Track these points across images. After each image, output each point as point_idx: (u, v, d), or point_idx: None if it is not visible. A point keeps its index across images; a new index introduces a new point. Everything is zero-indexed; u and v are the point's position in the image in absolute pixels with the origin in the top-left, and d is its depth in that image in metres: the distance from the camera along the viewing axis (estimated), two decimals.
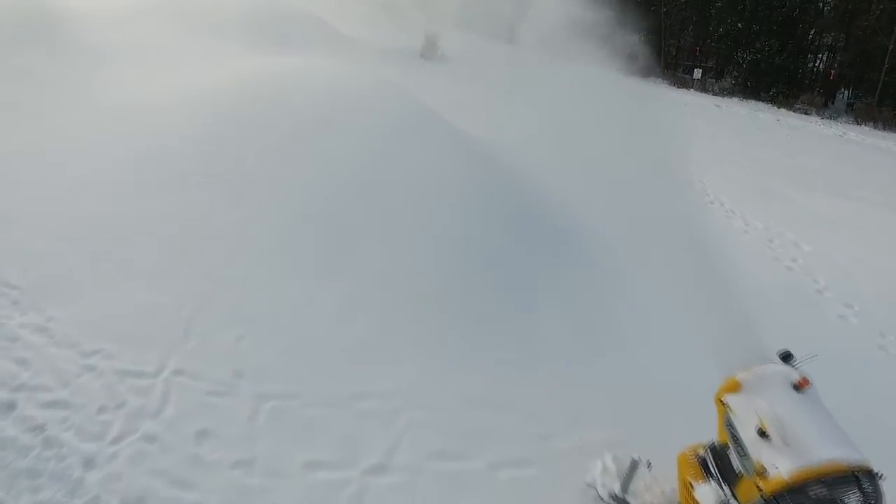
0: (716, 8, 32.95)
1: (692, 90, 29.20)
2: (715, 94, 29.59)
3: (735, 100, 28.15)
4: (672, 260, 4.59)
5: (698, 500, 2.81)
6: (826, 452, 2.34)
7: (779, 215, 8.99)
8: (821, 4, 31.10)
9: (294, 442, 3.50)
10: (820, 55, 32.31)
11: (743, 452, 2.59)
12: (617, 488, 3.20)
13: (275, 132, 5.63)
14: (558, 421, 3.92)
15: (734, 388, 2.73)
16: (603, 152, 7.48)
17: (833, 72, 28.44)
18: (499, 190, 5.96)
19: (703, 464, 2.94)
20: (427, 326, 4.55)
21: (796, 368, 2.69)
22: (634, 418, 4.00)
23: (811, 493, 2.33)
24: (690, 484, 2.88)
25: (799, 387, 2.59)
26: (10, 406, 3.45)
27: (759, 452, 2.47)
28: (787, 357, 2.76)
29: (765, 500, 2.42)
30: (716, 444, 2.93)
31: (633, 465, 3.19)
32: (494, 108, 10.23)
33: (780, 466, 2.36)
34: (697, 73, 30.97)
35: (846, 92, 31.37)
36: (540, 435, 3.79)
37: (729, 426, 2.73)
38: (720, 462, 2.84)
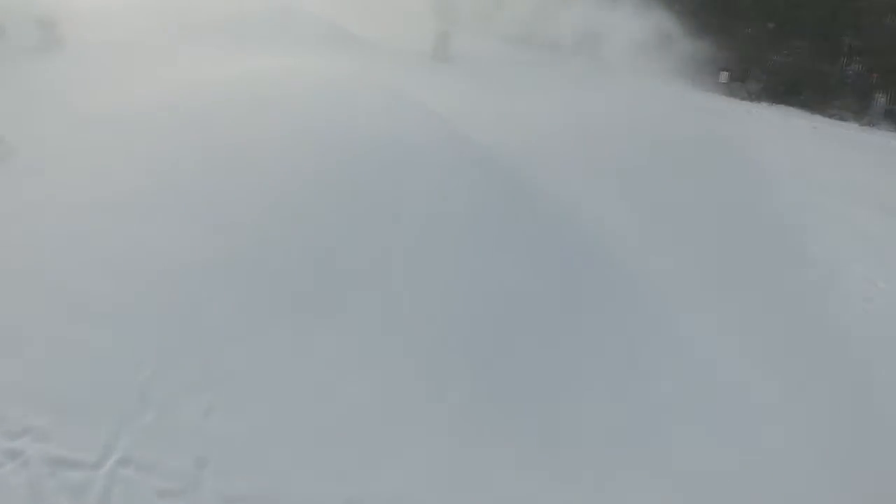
0: (743, 8, 31.72)
1: (718, 94, 28.05)
2: (742, 98, 28.40)
3: (764, 104, 26.89)
4: (767, 316, 3.63)
5: None
6: None
7: (841, 240, 7.89)
8: (855, 4, 29.72)
9: None
10: (855, 58, 30.91)
11: None
12: None
13: (256, 147, 4.75)
14: None
15: None
16: (649, 169, 6.55)
17: (874, 75, 27.06)
18: (529, 221, 4.99)
19: None
20: (437, 397, 3.72)
21: None
22: None
23: None
24: None
25: None
26: None
27: None
28: None
29: None
30: None
31: None
32: (515, 115, 9.29)
33: None
34: (723, 77, 29.77)
35: (881, 97, 29.91)
36: None
37: None
38: None
